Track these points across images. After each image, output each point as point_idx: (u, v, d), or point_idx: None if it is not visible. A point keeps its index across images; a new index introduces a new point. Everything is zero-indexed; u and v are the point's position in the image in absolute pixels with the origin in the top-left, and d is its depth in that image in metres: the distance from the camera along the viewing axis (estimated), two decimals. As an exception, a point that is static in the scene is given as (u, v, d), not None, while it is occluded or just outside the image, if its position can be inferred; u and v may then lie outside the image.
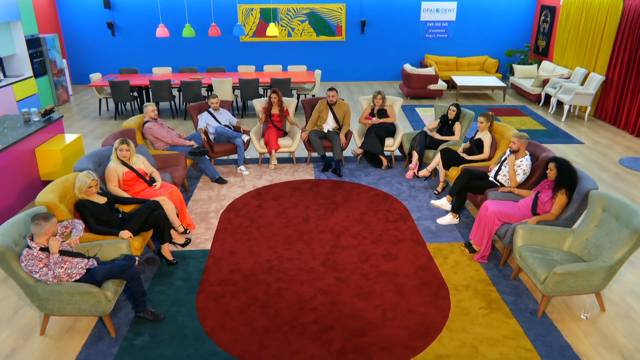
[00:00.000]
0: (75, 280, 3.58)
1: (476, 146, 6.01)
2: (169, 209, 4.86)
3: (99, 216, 4.23)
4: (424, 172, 6.36)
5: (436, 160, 6.17)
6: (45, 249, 3.46)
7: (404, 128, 9.03)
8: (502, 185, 5.25)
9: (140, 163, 5.07)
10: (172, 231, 4.86)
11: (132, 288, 3.76)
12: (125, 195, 4.79)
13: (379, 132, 6.93)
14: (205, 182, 6.57)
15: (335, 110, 7.11)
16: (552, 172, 4.42)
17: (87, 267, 3.66)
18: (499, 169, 5.28)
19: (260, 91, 10.94)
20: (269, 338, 3.69)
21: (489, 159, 5.95)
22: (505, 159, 5.24)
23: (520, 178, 5.07)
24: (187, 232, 5.20)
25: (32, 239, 3.46)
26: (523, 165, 5.07)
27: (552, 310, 4.03)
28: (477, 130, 6.12)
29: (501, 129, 6.02)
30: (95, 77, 9.80)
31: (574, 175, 4.41)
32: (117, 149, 4.84)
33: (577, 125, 9.28)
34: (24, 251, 3.41)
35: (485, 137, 5.95)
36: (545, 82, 10.65)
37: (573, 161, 7.29)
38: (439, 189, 6.16)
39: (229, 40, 12.55)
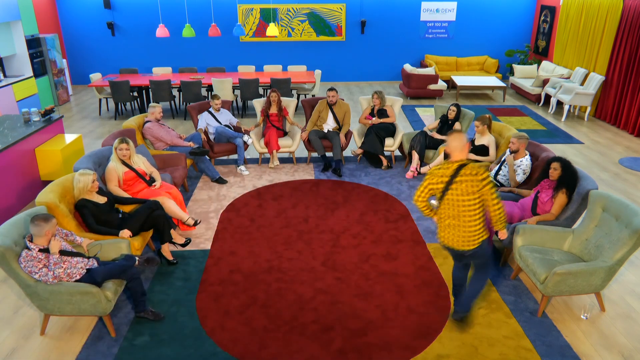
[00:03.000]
0: (76, 280, 3.58)
1: (479, 151, 5.93)
2: (170, 206, 4.85)
3: (99, 216, 4.23)
4: (426, 169, 6.36)
5: (439, 160, 6.16)
6: (44, 250, 3.46)
7: (404, 128, 9.03)
8: (502, 185, 5.25)
9: (141, 163, 5.06)
10: (172, 231, 4.86)
11: (132, 288, 3.76)
12: (125, 195, 4.79)
13: (379, 132, 6.93)
14: (205, 182, 6.57)
15: (335, 110, 7.11)
16: (556, 171, 4.41)
17: (87, 267, 3.66)
18: (499, 169, 5.28)
19: (260, 91, 10.94)
20: (269, 338, 3.69)
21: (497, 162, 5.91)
22: (505, 159, 5.24)
23: (520, 178, 5.07)
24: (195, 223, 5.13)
25: (30, 240, 3.46)
26: (523, 165, 5.06)
27: (552, 310, 4.03)
28: (476, 134, 6.04)
29: (501, 129, 6.02)
30: (95, 77, 9.80)
31: (576, 176, 4.41)
32: (116, 149, 4.84)
33: (577, 125, 9.29)
34: (23, 252, 3.42)
35: (490, 142, 5.86)
36: (545, 82, 10.65)
37: (573, 161, 7.28)
38: None
39: (229, 40, 12.56)
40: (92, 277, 3.62)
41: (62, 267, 3.49)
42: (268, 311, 3.98)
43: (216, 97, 6.88)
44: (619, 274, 4.57)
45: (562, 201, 4.38)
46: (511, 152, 5.13)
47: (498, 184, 5.26)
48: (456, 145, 3.33)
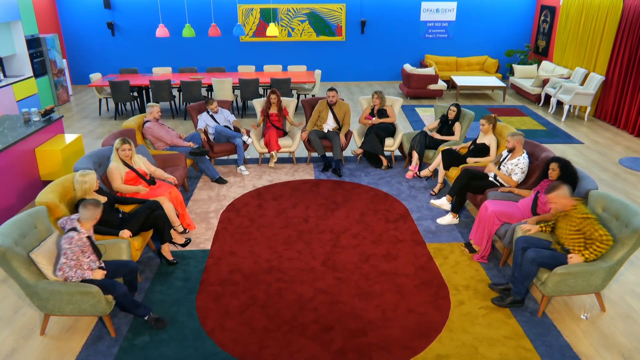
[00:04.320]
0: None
1: (480, 150, 5.94)
2: (168, 208, 4.86)
3: (99, 216, 4.23)
4: (425, 172, 6.36)
5: (437, 160, 6.16)
6: (89, 238, 3.60)
7: (404, 128, 9.03)
8: (502, 185, 5.24)
9: (141, 163, 5.06)
10: (172, 231, 4.87)
11: (120, 302, 3.68)
12: (133, 189, 4.80)
13: (379, 132, 6.93)
14: (205, 182, 6.58)
15: (335, 111, 7.11)
16: (554, 172, 4.41)
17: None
18: (498, 169, 5.27)
19: (260, 91, 10.94)
20: (269, 338, 3.69)
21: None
22: (504, 158, 5.24)
23: (518, 177, 5.07)
24: (186, 231, 5.20)
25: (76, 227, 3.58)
26: (520, 163, 5.06)
27: (552, 310, 4.03)
28: (480, 133, 6.04)
29: (500, 129, 6.01)
30: (95, 77, 9.80)
31: (575, 176, 4.41)
32: (118, 149, 4.84)
33: (577, 125, 9.29)
34: (74, 234, 3.49)
35: (492, 141, 5.86)
36: (545, 82, 10.65)
37: (573, 161, 7.27)
38: (436, 189, 6.15)
39: (229, 40, 12.55)
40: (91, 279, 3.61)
41: (81, 274, 3.54)
42: (268, 311, 3.98)
43: (211, 101, 6.84)
44: (619, 274, 4.57)
45: (562, 201, 4.38)
46: (508, 151, 5.14)
47: (498, 184, 5.26)
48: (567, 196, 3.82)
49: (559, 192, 3.78)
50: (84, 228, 3.60)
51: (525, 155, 5.09)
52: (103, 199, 4.33)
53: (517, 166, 5.07)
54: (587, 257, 3.76)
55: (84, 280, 3.57)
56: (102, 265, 3.75)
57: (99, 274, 3.60)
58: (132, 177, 4.92)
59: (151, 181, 5.05)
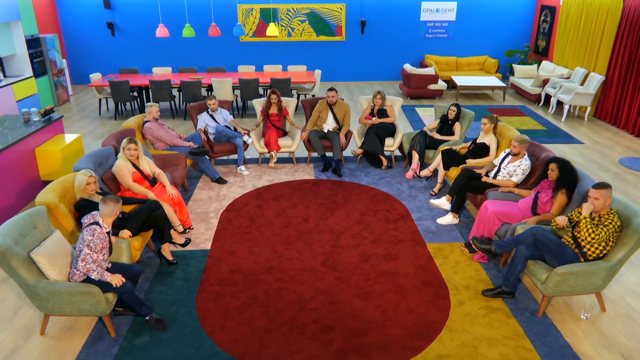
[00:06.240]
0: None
1: (480, 150, 5.93)
2: (168, 208, 4.85)
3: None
4: (425, 172, 6.35)
5: (437, 160, 6.16)
6: (108, 234, 3.66)
7: (404, 128, 9.03)
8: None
9: (146, 164, 5.05)
10: (172, 231, 4.86)
11: (125, 300, 3.68)
12: (143, 190, 4.81)
13: (379, 132, 6.93)
14: (205, 182, 6.57)
15: (335, 110, 7.11)
16: (553, 172, 4.42)
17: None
18: (498, 169, 5.27)
19: (260, 91, 10.94)
20: (269, 338, 3.69)
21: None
22: (504, 159, 5.24)
23: (519, 178, 5.07)
24: (187, 231, 5.20)
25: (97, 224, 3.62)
26: (523, 165, 5.07)
27: (552, 310, 4.03)
28: (480, 132, 6.04)
29: (501, 129, 6.01)
30: (95, 77, 9.80)
31: (575, 176, 4.41)
32: (124, 148, 4.83)
33: (577, 125, 9.29)
34: (96, 227, 3.54)
35: (492, 141, 5.87)
36: (545, 82, 10.65)
37: (573, 161, 7.28)
38: (436, 189, 6.14)
39: (229, 40, 12.56)
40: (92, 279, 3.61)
41: (102, 272, 3.55)
42: (268, 311, 3.98)
43: (210, 97, 6.85)
44: (619, 274, 4.57)
45: (561, 201, 4.38)
46: (512, 155, 5.14)
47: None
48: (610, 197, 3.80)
49: (608, 191, 3.75)
50: (105, 223, 3.67)
51: (527, 157, 5.09)
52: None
53: (519, 167, 5.07)
54: (570, 217, 3.95)
55: (85, 280, 3.58)
56: (110, 265, 3.75)
57: (117, 279, 3.55)
58: (137, 177, 4.91)
59: (153, 181, 5.05)
